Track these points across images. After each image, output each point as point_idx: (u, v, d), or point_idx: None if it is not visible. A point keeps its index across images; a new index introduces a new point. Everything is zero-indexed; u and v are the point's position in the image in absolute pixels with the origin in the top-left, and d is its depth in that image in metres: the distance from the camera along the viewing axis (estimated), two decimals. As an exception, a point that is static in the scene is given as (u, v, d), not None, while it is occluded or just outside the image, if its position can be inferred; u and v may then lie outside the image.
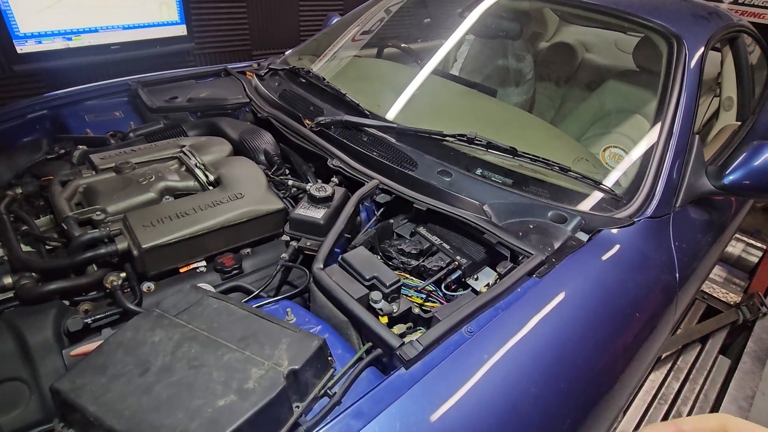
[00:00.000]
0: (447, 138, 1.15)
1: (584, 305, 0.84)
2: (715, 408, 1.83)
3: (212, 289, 0.86)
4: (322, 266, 0.84)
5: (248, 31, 3.31)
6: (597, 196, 1.07)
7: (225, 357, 0.60)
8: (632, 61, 1.74)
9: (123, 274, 0.88)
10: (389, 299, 0.81)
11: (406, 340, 0.70)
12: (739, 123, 1.72)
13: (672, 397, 1.87)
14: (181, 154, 1.18)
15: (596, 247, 0.94)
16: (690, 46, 1.33)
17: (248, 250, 1.02)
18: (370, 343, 0.72)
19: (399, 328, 0.80)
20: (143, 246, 0.87)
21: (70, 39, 2.49)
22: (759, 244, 2.69)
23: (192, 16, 2.89)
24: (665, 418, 1.79)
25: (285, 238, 1.01)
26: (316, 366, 0.63)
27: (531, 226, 0.97)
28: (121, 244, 0.88)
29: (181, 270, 0.95)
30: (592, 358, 0.79)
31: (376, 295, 0.80)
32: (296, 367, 0.59)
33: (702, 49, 1.35)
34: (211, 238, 0.96)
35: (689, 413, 1.81)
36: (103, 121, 1.50)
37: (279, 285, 0.97)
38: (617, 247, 0.96)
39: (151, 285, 0.90)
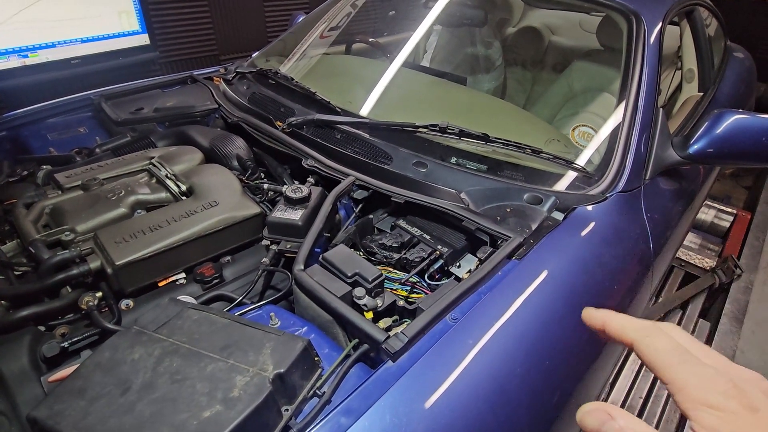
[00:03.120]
0: (420, 129, 1.15)
1: (564, 283, 0.86)
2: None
3: (193, 301, 0.84)
4: (303, 267, 0.83)
5: (213, 35, 3.24)
6: (570, 175, 1.09)
7: (208, 368, 0.59)
8: (597, 41, 1.77)
9: (99, 294, 0.86)
10: (373, 294, 0.81)
11: (392, 333, 0.70)
12: (701, 94, 1.77)
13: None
14: (151, 166, 1.15)
15: (572, 225, 0.96)
16: (648, 22, 1.36)
17: (228, 257, 1.01)
18: (356, 340, 0.72)
19: (385, 322, 0.80)
20: (117, 263, 0.84)
21: (26, 56, 2.39)
22: (730, 210, 2.79)
23: (154, 25, 2.82)
24: (653, 384, 1.85)
25: (264, 242, 1.00)
26: (303, 367, 0.62)
27: (508, 210, 0.98)
28: (94, 263, 0.86)
29: (160, 284, 0.92)
30: (575, 333, 0.81)
31: (359, 291, 0.80)
32: (282, 370, 0.59)
33: (660, 24, 1.38)
34: (189, 249, 0.94)
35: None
36: (66, 138, 1.45)
37: (262, 290, 0.96)
38: (592, 223, 0.98)
39: (130, 302, 0.87)
